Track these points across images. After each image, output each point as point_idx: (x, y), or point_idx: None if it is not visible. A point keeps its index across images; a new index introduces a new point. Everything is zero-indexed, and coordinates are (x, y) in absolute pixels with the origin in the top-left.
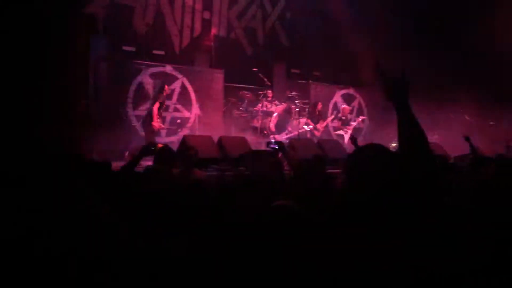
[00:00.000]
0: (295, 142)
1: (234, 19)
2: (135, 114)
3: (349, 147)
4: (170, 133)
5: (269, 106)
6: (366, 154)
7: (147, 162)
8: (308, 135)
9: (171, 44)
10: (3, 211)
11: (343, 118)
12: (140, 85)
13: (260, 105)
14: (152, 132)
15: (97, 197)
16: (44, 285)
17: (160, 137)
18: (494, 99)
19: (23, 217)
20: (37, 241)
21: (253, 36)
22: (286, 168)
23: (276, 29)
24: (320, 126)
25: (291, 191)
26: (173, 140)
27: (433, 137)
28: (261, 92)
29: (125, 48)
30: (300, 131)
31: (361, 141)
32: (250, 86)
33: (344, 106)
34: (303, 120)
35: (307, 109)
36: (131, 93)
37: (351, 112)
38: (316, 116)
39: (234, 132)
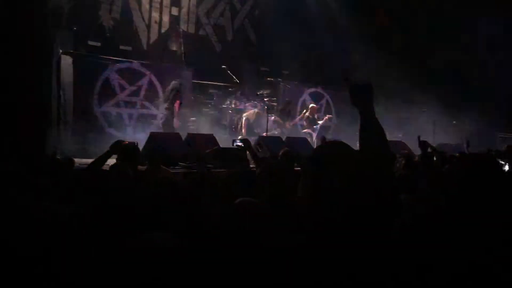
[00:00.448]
0: (263, 140)
1: (203, 15)
2: (101, 111)
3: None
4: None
5: (237, 103)
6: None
7: None
8: (277, 133)
9: (139, 40)
10: None
11: (311, 117)
12: (107, 81)
13: (228, 102)
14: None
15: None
16: None
17: (127, 134)
18: (456, 100)
19: None
20: None
21: (222, 33)
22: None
23: (245, 26)
24: (289, 124)
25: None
26: (140, 137)
27: (398, 136)
28: (229, 90)
29: (90, 43)
30: (268, 132)
31: (329, 140)
32: (219, 84)
33: (312, 104)
34: (271, 118)
35: (275, 107)
36: (97, 89)
37: (319, 110)
38: (286, 114)
39: (202, 129)
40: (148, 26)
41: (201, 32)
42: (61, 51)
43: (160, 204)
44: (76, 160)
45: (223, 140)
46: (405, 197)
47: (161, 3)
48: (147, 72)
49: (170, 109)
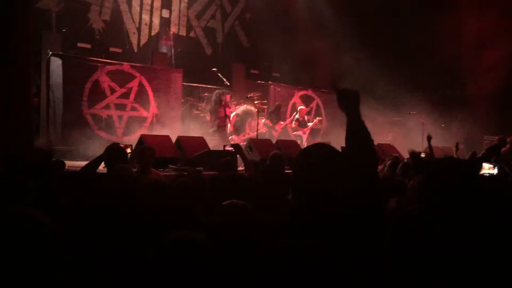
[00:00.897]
0: (253, 142)
1: (194, 18)
2: (90, 113)
3: None
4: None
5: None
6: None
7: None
8: (267, 136)
9: (129, 42)
10: None
11: (301, 119)
12: (96, 83)
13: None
14: (226, 135)
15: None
16: None
17: (117, 136)
18: (445, 104)
19: None
20: None
21: (213, 36)
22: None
23: (235, 29)
24: (279, 127)
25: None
26: (131, 140)
27: (387, 139)
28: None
29: (80, 45)
30: (258, 131)
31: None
32: (209, 86)
33: (302, 107)
34: (262, 120)
35: (265, 110)
36: (86, 91)
37: (309, 113)
38: (277, 117)
39: (192, 132)
40: (139, 29)
41: (191, 35)
42: (50, 52)
43: (149, 206)
44: (66, 162)
45: (213, 143)
46: (397, 199)
47: (151, 6)
48: (138, 74)
49: (217, 117)
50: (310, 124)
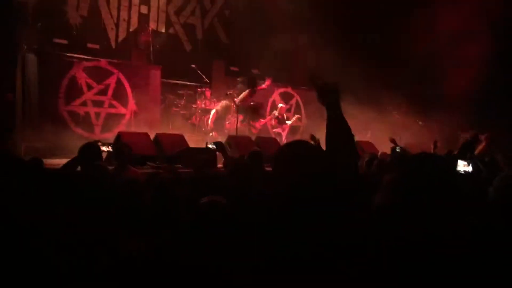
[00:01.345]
0: (232, 140)
1: (173, 14)
2: (67, 110)
3: None
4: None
5: (207, 103)
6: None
7: None
8: (246, 133)
9: (107, 38)
10: None
11: (280, 116)
12: (73, 80)
13: (198, 102)
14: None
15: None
16: None
17: (94, 133)
18: (423, 100)
19: None
20: None
21: (192, 32)
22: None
23: (215, 26)
24: (259, 124)
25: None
26: (108, 137)
27: (366, 136)
28: (199, 89)
29: (56, 40)
30: (238, 127)
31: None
32: (189, 83)
33: (281, 105)
34: (241, 118)
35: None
36: (63, 88)
37: (288, 110)
38: (256, 114)
39: (171, 129)
40: (117, 24)
41: (171, 31)
42: (25, 47)
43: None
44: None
45: (193, 140)
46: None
47: (130, 1)
48: (115, 71)
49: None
50: (289, 121)
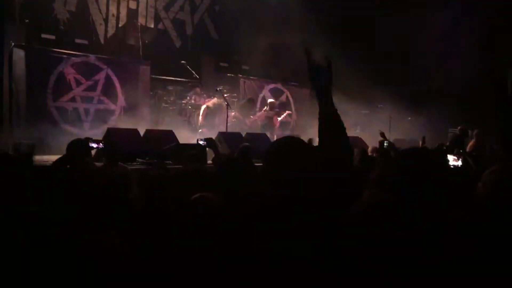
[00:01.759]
0: (223, 135)
1: (162, 9)
2: (55, 106)
3: None
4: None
5: (197, 99)
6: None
7: None
8: (237, 129)
9: (96, 33)
10: None
11: (270, 112)
12: (61, 75)
13: (188, 97)
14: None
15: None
16: None
17: (83, 130)
18: (412, 98)
19: None
20: None
21: (182, 28)
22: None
23: (205, 21)
24: (250, 120)
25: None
26: (97, 133)
27: (356, 132)
28: (189, 85)
29: (44, 36)
30: (228, 124)
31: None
32: (178, 79)
33: (271, 100)
34: (231, 113)
35: (235, 103)
36: (51, 84)
37: (278, 106)
38: (248, 111)
39: (161, 125)
40: (106, 20)
41: (160, 27)
42: (12, 43)
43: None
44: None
45: (183, 136)
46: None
47: None
48: (104, 67)
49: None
50: (279, 117)
